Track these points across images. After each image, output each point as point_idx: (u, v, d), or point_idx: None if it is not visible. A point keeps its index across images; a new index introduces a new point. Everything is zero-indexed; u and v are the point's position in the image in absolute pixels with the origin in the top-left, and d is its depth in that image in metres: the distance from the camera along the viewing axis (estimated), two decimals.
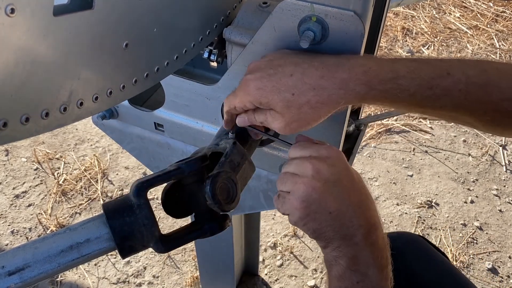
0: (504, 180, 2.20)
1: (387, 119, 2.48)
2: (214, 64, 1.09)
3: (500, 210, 2.06)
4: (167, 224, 1.91)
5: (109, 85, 0.55)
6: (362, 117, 0.96)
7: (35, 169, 2.14)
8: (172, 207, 0.70)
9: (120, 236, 0.61)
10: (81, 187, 2.06)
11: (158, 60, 0.64)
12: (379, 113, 0.89)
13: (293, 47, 0.67)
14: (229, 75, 0.77)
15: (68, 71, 0.48)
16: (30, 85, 0.44)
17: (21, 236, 1.88)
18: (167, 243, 0.64)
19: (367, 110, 2.47)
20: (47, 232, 1.89)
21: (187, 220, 0.78)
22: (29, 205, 1.99)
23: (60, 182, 2.07)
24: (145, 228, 0.62)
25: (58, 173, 2.12)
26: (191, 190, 0.69)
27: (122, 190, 2.07)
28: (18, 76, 0.43)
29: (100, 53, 0.52)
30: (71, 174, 2.12)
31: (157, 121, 0.93)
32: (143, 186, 0.62)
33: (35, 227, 1.91)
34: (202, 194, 0.66)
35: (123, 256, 0.63)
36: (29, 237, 1.88)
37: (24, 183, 2.08)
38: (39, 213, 1.95)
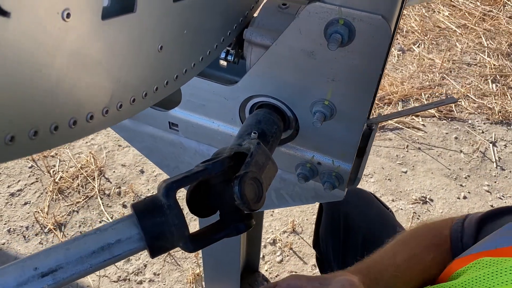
0: (494, 176, 2.25)
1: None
2: (224, 63, 1.10)
3: (491, 206, 2.11)
4: None
5: (145, 87, 0.56)
6: (373, 117, 0.98)
7: (30, 167, 2.11)
8: (196, 206, 0.71)
9: (151, 237, 0.61)
10: (78, 185, 2.05)
11: (187, 62, 0.65)
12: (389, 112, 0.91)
13: (318, 49, 0.69)
14: (250, 75, 0.78)
15: (111, 74, 0.49)
16: (79, 88, 0.44)
17: (18, 235, 1.86)
18: (196, 242, 0.65)
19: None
20: (45, 231, 1.87)
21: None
22: (25, 203, 1.97)
23: (56, 180, 2.05)
24: (175, 228, 0.62)
25: (54, 170, 2.10)
26: (216, 190, 0.69)
27: (119, 187, 2.06)
28: (68, 80, 0.43)
29: (139, 56, 0.52)
30: (67, 171, 2.10)
31: (172, 121, 0.94)
32: (172, 187, 0.63)
33: (32, 225, 1.89)
34: (227, 193, 0.67)
35: (153, 256, 0.63)
36: (26, 236, 1.86)
37: (19, 181, 2.05)
38: (35, 211, 1.93)
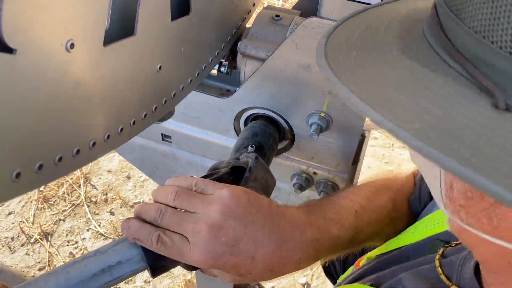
0: None
1: None
2: (214, 71, 1.09)
3: None
4: None
5: (144, 109, 0.55)
6: (365, 124, 0.99)
7: None
8: None
9: (153, 257, 0.61)
10: (64, 193, 2.01)
11: (184, 79, 0.64)
12: None
13: (314, 63, 0.69)
14: (245, 88, 0.78)
15: (114, 99, 0.48)
16: (82, 118, 0.44)
17: (3, 246, 1.82)
18: None
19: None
20: (31, 241, 1.84)
21: None
22: (9, 213, 1.92)
23: (41, 188, 2.01)
24: None
25: None
26: None
27: (106, 194, 2.03)
28: (72, 111, 0.42)
29: (139, 78, 0.51)
30: None
31: (165, 133, 0.93)
32: None
33: (18, 236, 1.85)
34: None
35: (154, 276, 0.63)
36: (12, 247, 1.82)
37: None
38: (20, 221, 1.89)
